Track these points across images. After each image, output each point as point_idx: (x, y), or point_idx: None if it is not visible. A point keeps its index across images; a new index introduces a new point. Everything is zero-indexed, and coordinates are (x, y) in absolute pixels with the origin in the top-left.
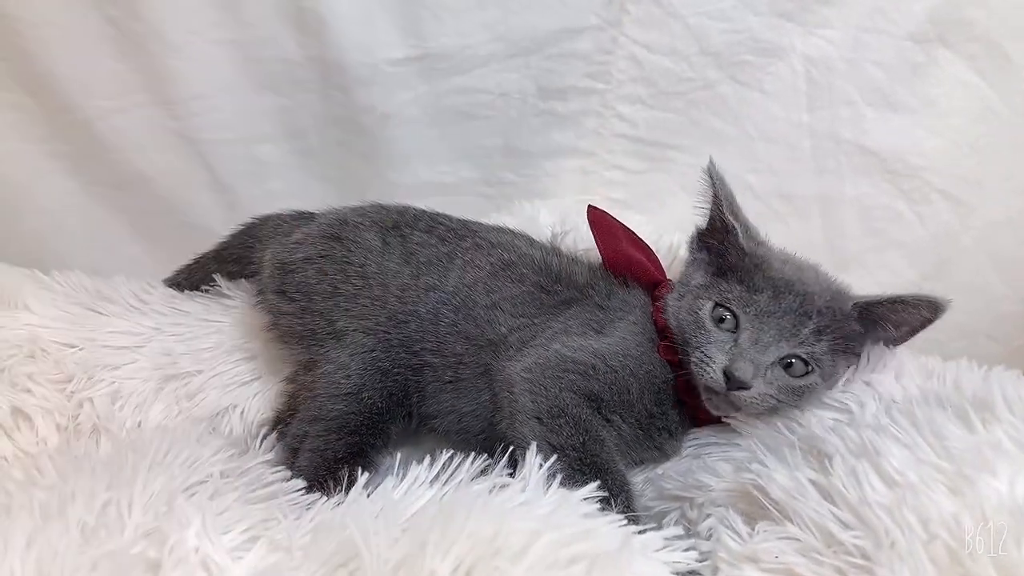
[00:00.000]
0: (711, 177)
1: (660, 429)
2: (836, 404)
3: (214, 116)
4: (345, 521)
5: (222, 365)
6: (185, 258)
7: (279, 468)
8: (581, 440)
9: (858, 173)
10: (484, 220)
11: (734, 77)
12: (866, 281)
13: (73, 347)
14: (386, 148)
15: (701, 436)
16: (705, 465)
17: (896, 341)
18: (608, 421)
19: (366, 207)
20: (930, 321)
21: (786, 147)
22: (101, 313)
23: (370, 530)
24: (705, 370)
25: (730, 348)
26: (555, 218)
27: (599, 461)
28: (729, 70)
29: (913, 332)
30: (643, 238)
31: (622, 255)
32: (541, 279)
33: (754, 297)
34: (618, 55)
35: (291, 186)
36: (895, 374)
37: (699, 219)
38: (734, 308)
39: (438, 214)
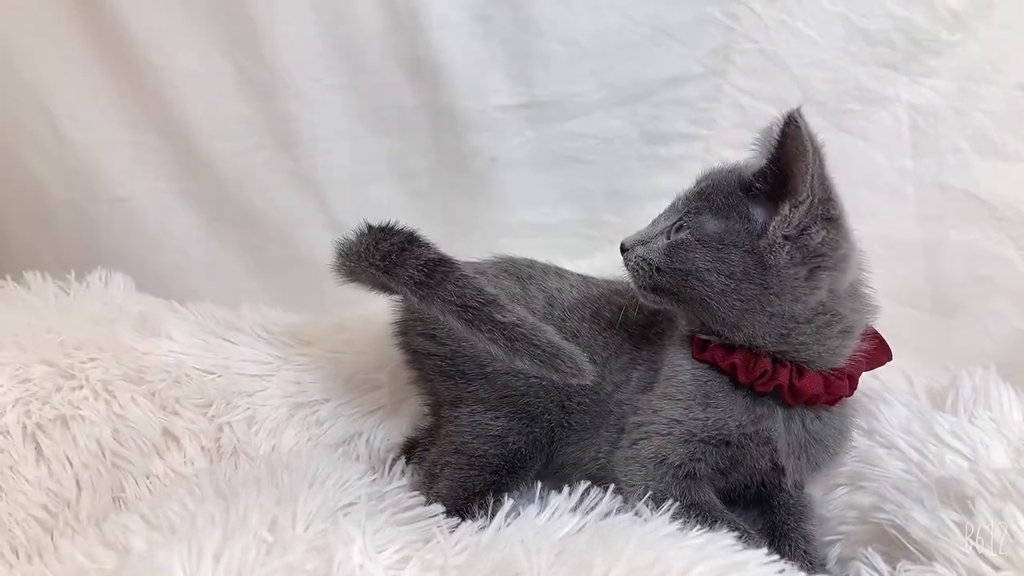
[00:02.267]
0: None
1: (748, 440)
2: (963, 439)
3: (330, 158)
4: (501, 541)
5: (348, 394)
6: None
7: (415, 493)
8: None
9: (965, 220)
10: (590, 260)
11: (838, 125)
12: (972, 328)
13: (211, 374)
14: (492, 190)
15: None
16: (835, 514)
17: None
18: (690, 471)
19: (498, 259)
20: (794, 137)
21: (889, 194)
22: (232, 342)
23: (532, 548)
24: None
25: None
26: None
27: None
28: (833, 118)
29: (792, 165)
30: None
31: None
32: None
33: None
34: (723, 102)
35: (400, 224)
36: (1022, 415)
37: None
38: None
39: (562, 268)
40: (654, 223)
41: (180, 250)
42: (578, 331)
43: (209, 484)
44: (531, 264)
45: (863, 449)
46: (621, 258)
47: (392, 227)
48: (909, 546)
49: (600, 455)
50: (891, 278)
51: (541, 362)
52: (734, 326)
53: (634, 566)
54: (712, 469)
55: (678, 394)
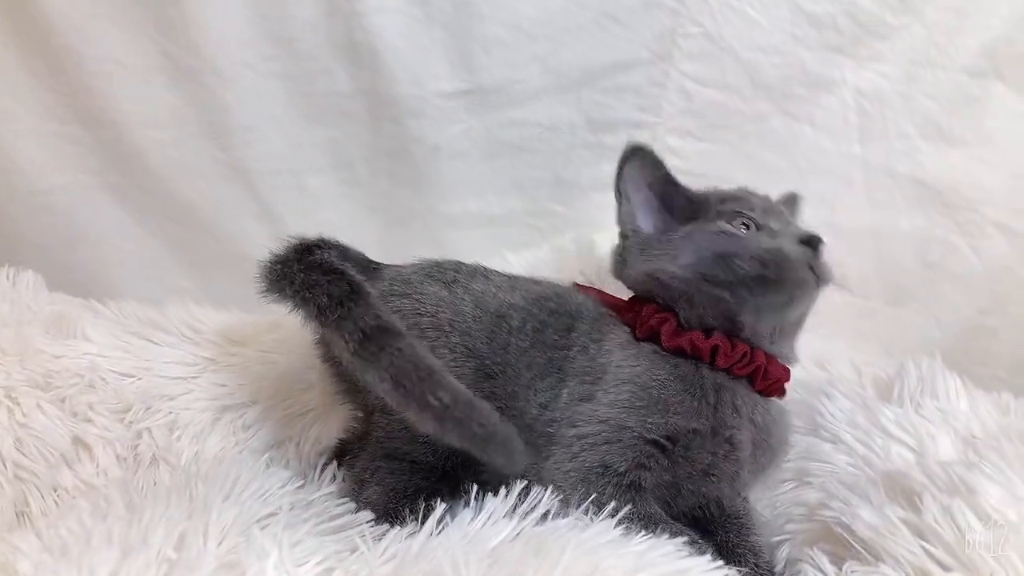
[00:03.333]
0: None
1: (704, 438)
2: (909, 431)
3: (264, 147)
4: (431, 549)
5: (277, 396)
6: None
7: (344, 500)
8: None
9: (913, 206)
10: (536, 251)
11: (784, 110)
12: (921, 316)
13: (131, 376)
14: (435, 180)
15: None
16: (782, 511)
17: None
18: (634, 481)
19: (422, 264)
20: None
21: (838, 180)
22: (156, 343)
23: (460, 560)
24: (787, 260)
25: (775, 237)
26: (605, 250)
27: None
28: (779, 103)
29: None
30: None
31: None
32: (557, 336)
33: (744, 203)
34: (669, 88)
35: (339, 216)
36: (969, 405)
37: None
38: (744, 212)
39: (488, 269)
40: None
41: (105, 246)
42: (507, 345)
43: (119, 496)
44: (457, 267)
45: (808, 444)
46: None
47: (335, 268)
48: (856, 545)
49: (530, 476)
50: (840, 266)
51: (471, 444)
52: (757, 321)
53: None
54: (658, 482)
55: (632, 400)
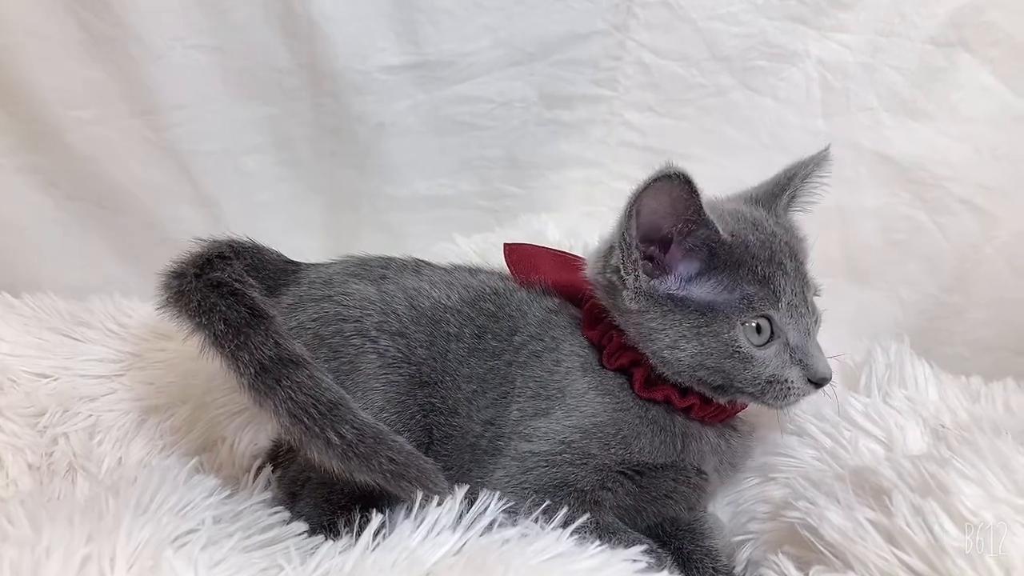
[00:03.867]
0: (690, 184)
1: (671, 471)
2: (877, 422)
3: (197, 126)
4: (359, 572)
5: (209, 395)
6: None
7: (277, 509)
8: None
9: (878, 183)
10: (488, 235)
11: (746, 83)
12: (886, 295)
13: (46, 377)
14: (381, 159)
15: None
16: (745, 508)
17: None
18: (595, 498)
19: (347, 262)
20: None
21: (801, 155)
22: (76, 339)
23: None
24: (791, 394)
25: (791, 355)
26: (563, 231)
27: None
28: (740, 76)
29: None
30: None
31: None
32: (497, 343)
33: (772, 287)
34: (625, 60)
35: (279, 199)
36: (938, 393)
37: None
38: (767, 315)
39: (421, 262)
40: (797, 330)
41: (24, 234)
42: (445, 353)
43: (23, 514)
44: (385, 263)
45: (773, 437)
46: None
47: (235, 289)
48: (823, 549)
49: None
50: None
51: (381, 481)
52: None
53: None
54: (619, 504)
55: (597, 431)
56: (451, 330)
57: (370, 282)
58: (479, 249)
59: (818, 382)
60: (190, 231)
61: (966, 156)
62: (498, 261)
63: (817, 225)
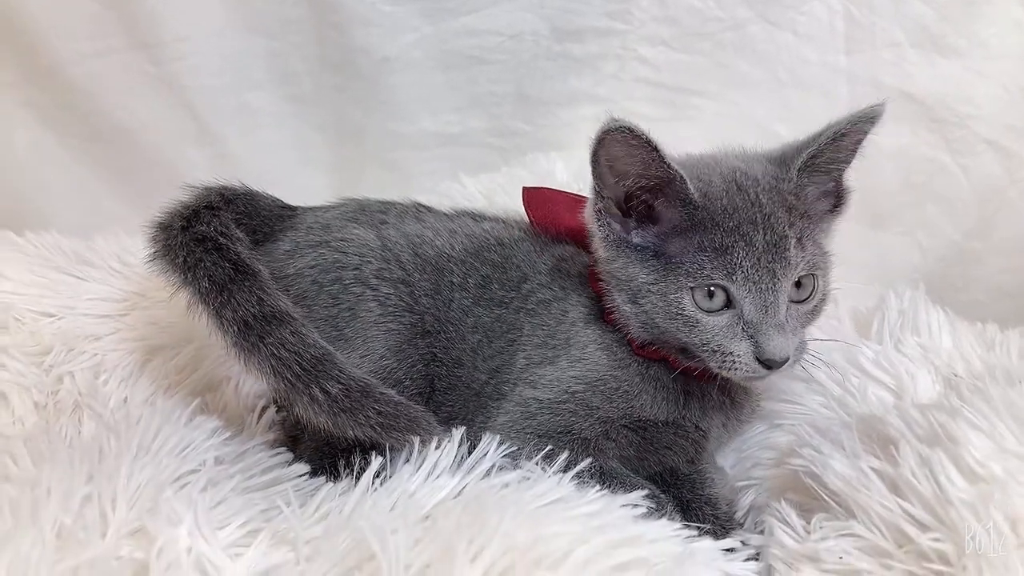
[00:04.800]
0: (637, 136)
1: (672, 427)
2: (888, 370)
3: (199, 60)
4: (357, 515)
5: (215, 334)
6: None
7: (279, 450)
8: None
9: (900, 122)
10: (495, 175)
11: (765, 16)
12: (904, 239)
13: (50, 316)
14: (386, 95)
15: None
16: (749, 455)
17: (845, 167)
18: (598, 446)
19: (345, 205)
20: (868, 132)
21: (820, 94)
22: (80, 278)
23: (387, 528)
24: (735, 368)
25: (743, 329)
26: (572, 172)
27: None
28: (759, 8)
29: (854, 151)
30: None
31: (563, 230)
32: (504, 292)
33: (729, 258)
34: None
35: (283, 136)
36: (952, 340)
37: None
38: (720, 284)
39: (422, 207)
40: (754, 304)
41: (26, 172)
42: (450, 302)
43: (27, 453)
44: (385, 208)
45: (781, 384)
46: (525, 173)
47: (220, 243)
48: (826, 497)
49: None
50: None
51: (371, 433)
52: None
53: (510, 546)
54: (621, 454)
55: (598, 384)
56: (455, 280)
57: (370, 227)
58: (485, 190)
59: (764, 362)
60: (194, 169)
61: (994, 95)
62: (503, 202)
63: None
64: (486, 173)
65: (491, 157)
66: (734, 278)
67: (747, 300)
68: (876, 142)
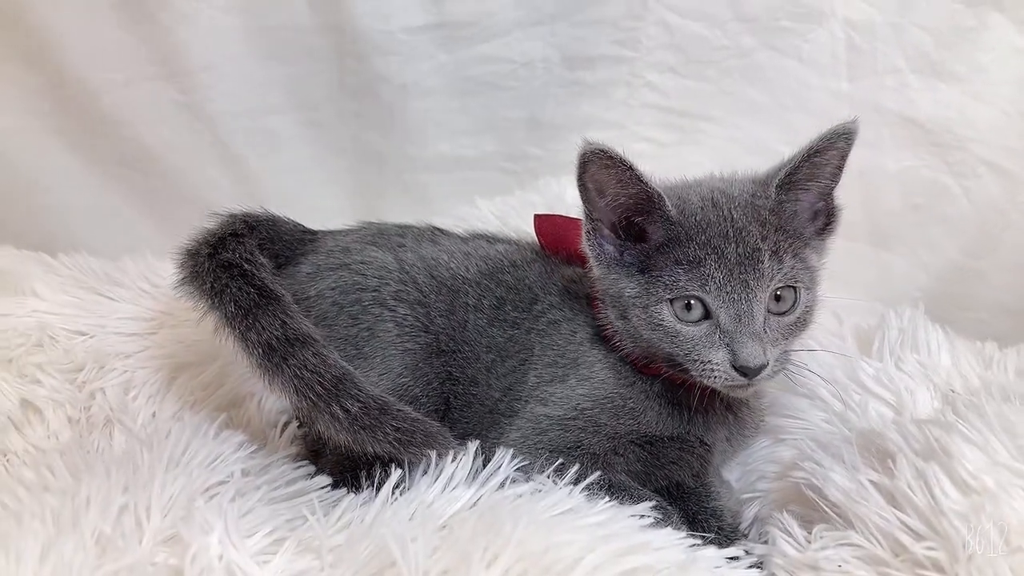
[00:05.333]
0: (611, 157)
1: (678, 442)
2: (888, 386)
3: (223, 88)
4: (378, 524)
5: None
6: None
7: (302, 463)
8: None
9: (901, 145)
10: (508, 198)
11: (770, 44)
12: (906, 259)
13: (83, 335)
14: (403, 120)
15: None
16: (754, 468)
17: (831, 186)
18: (607, 461)
19: (364, 229)
20: (848, 150)
21: (824, 118)
22: (111, 298)
23: (407, 536)
24: (715, 376)
25: (719, 338)
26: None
27: (619, 485)
28: (765, 36)
29: (839, 168)
30: None
31: (573, 254)
32: (517, 313)
33: (702, 270)
34: (648, 20)
35: (303, 160)
36: (951, 358)
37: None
38: (695, 295)
39: (437, 231)
40: (729, 314)
41: (56, 195)
42: (464, 323)
43: (64, 465)
44: (402, 232)
45: (785, 400)
46: (538, 197)
47: (245, 270)
48: (827, 509)
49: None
50: None
51: (389, 449)
52: None
53: (523, 553)
54: (628, 469)
55: (605, 402)
56: (470, 301)
57: (388, 250)
58: (499, 212)
59: (739, 368)
60: (218, 192)
61: (993, 118)
62: (516, 224)
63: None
64: (500, 196)
65: (505, 180)
66: (707, 289)
67: (722, 310)
68: (879, 165)
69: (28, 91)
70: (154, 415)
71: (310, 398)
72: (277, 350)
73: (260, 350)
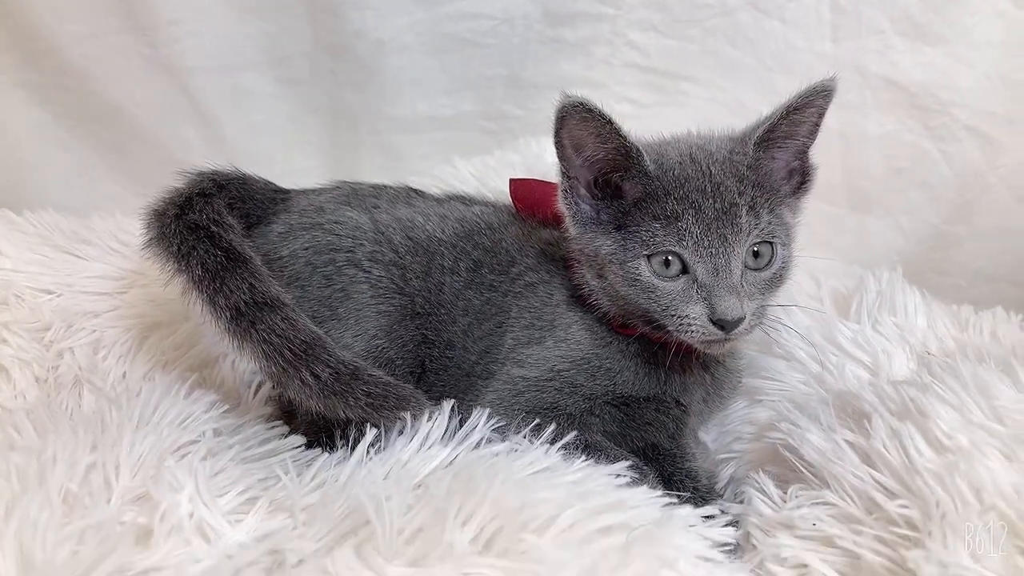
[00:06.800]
0: (590, 110)
1: (655, 402)
2: (865, 348)
3: (194, 42)
4: (352, 483)
5: None
6: None
7: (276, 423)
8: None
9: (884, 108)
10: (487, 158)
11: (754, 4)
12: (886, 223)
13: (50, 293)
14: (380, 78)
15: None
16: (731, 429)
17: (808, 144)
18: (583, 421)
19: (339, 188)
20: (826, 107)
21: (807, 79)
22: (79, 256)
23: (381, 495)
24: (692, 331)
25: (697, 292)
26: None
27: (595, 445)
28: None
29: (816, 126)
30: None
31: (549, 217)
32: (494, 276)
33: (679, 225)
34: None
35: (277, 118)
36: (927, 320)
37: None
38: (671, 250)
39: (413, 192)
40: (706, 268)
41: (24, 152)
42: (441, 285)
43: (30, 424)
44: (377, 192)
45: (763, 362)
46: (517, 157)
47: (212, 232)
48: (803, 468)
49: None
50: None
51: (361, 414)
52: None
53: (498, 511)
54: (605, 429)
55: (582, 363)
56: (446, 263)
57: (363, 211)
58: (477, 172)
59: (716, 321)
60: (188, 150)
61: (976, 82)
62: (496, 184)
63: (817, 151)
64: (479, 156)
65: (483, 140)
66: (684, 244)
67: (699, 264)
68: (861, 128)
69: None
70: (124, 375)
71: (279, 364)
72: (245, 314)
73: (228, 314)
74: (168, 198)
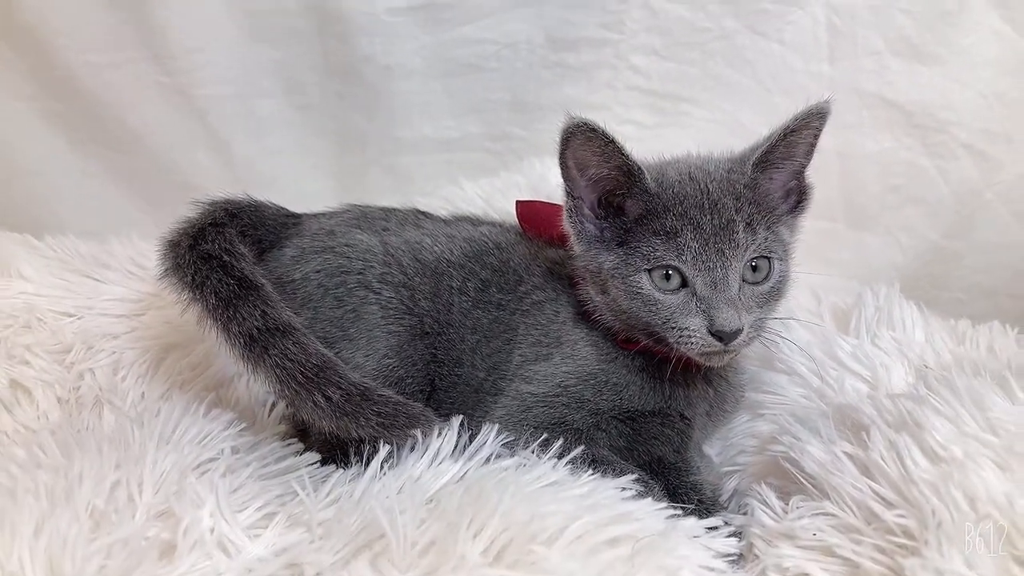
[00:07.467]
0: (593, 130)
1: (660, 416)
2: (864, 362)
3: (209, 71)
4: (367, 498)
5: None
6: None
7: (291, 441)
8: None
9: (880, 127)
10: (493, 179)
11: (752, 27)
12: (884, 240)
13: (70, 316)
14: (388, 102)
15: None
16: (734, 442)
17: (804, 165)
18: (590, 436)
19: (349, 212)
20: (821, 129)
21: (805, 100)
22: (98, 280)
23: (395, 509)
24: (691, 343)
25: (696, 305)
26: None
27: (602, 459)
28: (747, 19)
29: (812, 147)
30: None
31: (555, 237)
32: (502, 295)
33: (679, 240)
34: (632, 3)
35: (289, 143)
36: (924, 335)
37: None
38: (671, 264)
39: (421, 214)
40: (704, 282)
41: (44, 178)
42: (450, 306)
43: (54, 443)
44: (386, 215)
45: (765, 377)
46: (522, 178)
47: (224, 261)
48: (803, 480)
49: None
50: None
51: (373, 433)
52: None
53: (508, 523)
54: (611, 444)
55: (588, 378)
56: (455, 284)
57: (373, 233)
58: (484, 194)
59: (715, 333)
60: (203, 174)
61: (972, 101)
62: (501, 205)
63: (816, 169)
64: (485, 177)
65: (489, 161)
66: (683, 258)
67: (698, 278)
68: (859, 146)
69: (15, 74)
70: (143, 395)
71: (292, 387)
72: (258, 340)
73: (242, 341)
74: (182, 229)
